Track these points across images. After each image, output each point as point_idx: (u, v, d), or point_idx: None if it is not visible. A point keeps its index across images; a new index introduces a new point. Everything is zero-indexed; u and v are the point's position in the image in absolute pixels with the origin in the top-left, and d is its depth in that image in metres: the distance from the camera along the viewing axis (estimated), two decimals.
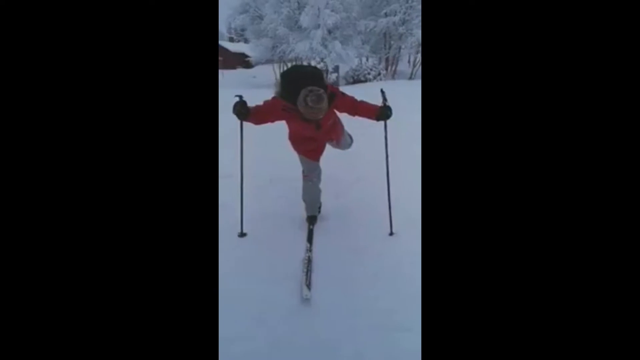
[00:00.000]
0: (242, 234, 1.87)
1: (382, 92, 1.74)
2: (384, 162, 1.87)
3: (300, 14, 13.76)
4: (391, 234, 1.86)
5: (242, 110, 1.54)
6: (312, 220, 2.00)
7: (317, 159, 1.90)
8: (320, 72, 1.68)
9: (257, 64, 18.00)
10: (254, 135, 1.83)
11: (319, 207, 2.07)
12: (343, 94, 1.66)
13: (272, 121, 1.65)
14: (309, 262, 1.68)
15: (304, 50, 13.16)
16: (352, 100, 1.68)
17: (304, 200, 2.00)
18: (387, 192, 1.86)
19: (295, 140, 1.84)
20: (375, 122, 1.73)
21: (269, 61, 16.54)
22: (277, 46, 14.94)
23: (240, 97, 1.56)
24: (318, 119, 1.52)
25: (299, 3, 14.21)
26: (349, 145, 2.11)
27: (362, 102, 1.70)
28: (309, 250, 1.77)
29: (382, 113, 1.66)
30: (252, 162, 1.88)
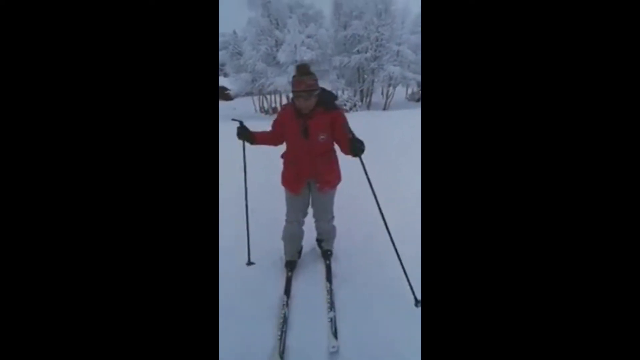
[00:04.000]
0: (249, 263, 1.78)
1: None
2: (373, 201, 1.49)
3: (277, 50, 14.50)
4: (417, 303, 1.37)
5: (246, 133, 1.56)
6: (290, 265, 1.72)
7: (297, 191, 1.61)
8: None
9: (237, 96, 18.38)
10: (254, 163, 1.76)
11: (300, 252, 1.82)
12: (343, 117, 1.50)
13: (280, 131, 1.55)
14: (284, 321, 1.33)
15: (283, 84, 13.70)
16: (345, 124, 1.47)
17: (283, 240, 1.74)
18: (388, 236, 1.44)
19: (285, 160, 1.64)
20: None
21: (248, 94, 16.99)
22: (256, 80, 15.46)
23: (241, 122, 1.60)
24: (306, 99, 1.38)
25: (276, 41, 15.01)
26: (332, 233, 1.81)
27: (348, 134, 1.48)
28: (286, 305, 1.43)
29: (352, 146, 1.38)
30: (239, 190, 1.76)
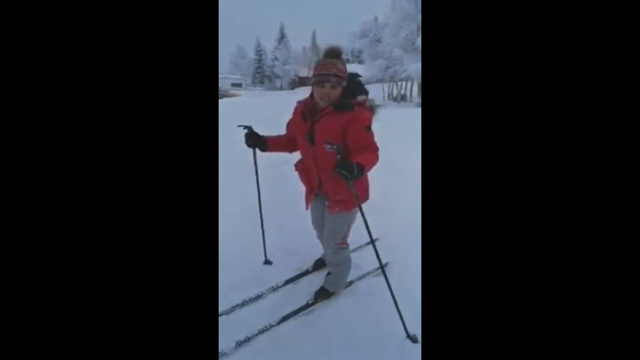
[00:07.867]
0: (267, 262, 1.76)
1: (332, 145, 1.09)
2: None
3: (418, 36, 13.99)
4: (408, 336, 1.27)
5: (256, 139, 1.38)
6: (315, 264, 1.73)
7: (307, 206, 1.47)
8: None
9: (368, 83, 18.82)
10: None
11: (315, 261, 1.75)
12: (368, 126, 1.19)
13: (293, 134, 1.36)
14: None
15: (417, 71, 13.27)
16: (363, 131, 1.17)
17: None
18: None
19: (297, 169, 1.45)
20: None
21: (379, 80, 17.24)
22: (390, 67, 15.48)
23: (249, 127, 1.38)
24: (333, 86, 1.14)
25: (417, 26, 14.46)
26: (341, 267, 1.47)
27: (367, 150, 1.16)
28: None
29: (337, 165, 1.06)
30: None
